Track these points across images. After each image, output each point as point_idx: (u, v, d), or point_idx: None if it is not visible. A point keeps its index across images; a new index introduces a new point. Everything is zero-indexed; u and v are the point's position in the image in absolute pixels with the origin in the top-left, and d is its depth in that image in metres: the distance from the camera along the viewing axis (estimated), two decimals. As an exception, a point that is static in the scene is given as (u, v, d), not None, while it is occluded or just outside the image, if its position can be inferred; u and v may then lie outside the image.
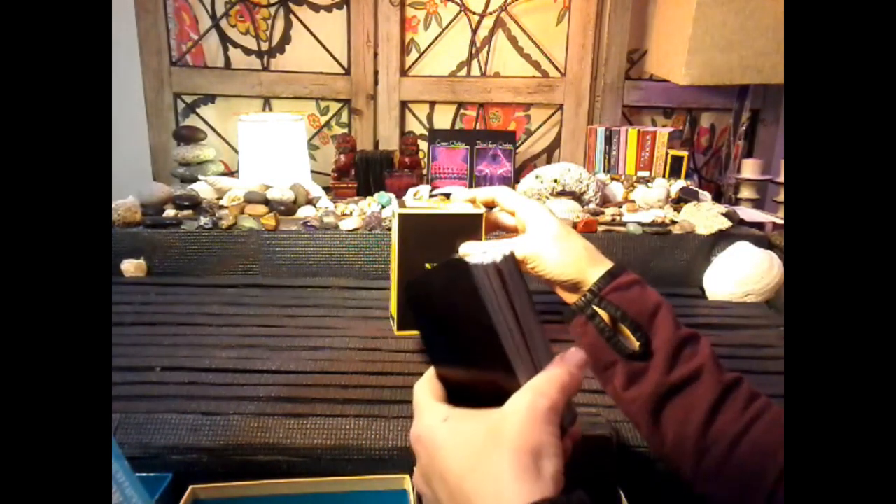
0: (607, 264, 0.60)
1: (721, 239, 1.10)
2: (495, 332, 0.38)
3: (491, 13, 1.64)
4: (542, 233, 0.62)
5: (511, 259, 0.40)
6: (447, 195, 1.22)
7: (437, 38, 1.66)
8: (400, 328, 0.76)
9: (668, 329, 0.55)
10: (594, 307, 0.57)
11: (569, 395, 0.39)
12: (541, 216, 0.63)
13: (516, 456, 0.35)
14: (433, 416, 0.39)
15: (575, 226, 1.11)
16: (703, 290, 1.08)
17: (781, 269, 1.03)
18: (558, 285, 0.62)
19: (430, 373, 0.43)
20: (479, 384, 0.40)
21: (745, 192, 1.57)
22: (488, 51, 1.67)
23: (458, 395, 0.41)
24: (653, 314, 0.56)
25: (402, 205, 1.21)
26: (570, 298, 0.62)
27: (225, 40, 1.64)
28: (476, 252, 0.39)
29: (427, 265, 0.69)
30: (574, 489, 0.34)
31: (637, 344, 0.55)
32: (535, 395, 0.38)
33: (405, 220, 0.71)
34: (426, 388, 0.42)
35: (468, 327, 0.39)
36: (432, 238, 0.69)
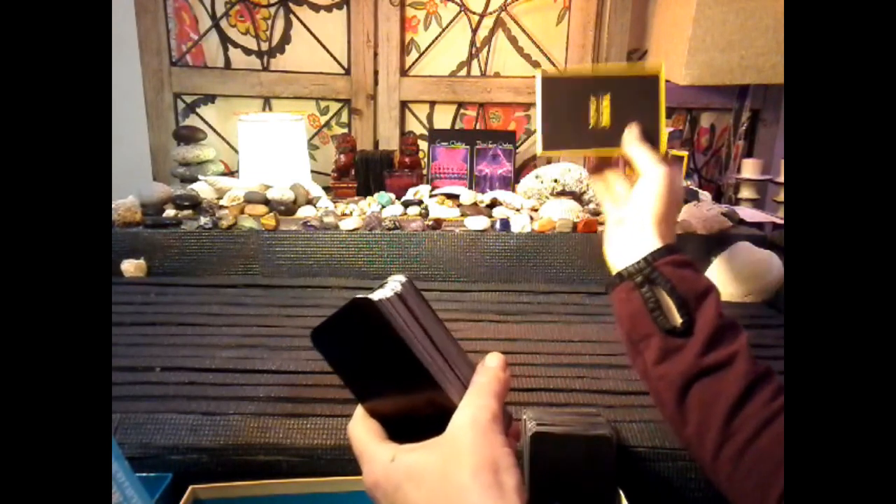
0: (670, 241, 0.61)
1: (721, 239, 1.10)
2: (417, 360, 0.38)
3: (491, 13, 1.64)
4: (673, 182, 0.63)
5: (409, 284, 0.41)
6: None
7: (437, 38, 1.66)
8: (546, 148, 0.71)
9: (712, 312, 0.55)
10: (644, 275, 0.57)
11: (502, 399, 0.39)
12: (679, 177, 0.65)
13: (476, 475, 0.35)
14: (381, 459, 0.39)
15: (575, 226, 1.11)
16: (703, 290, 1.08)
17: (781, 269, 1.03)
18: (624, 215, 0.62)
19: (360, 412, 0.42)
20: (413, 412, 0.40)
21: (745, 192, 1.57)
22: (488, 51, 1.67)
23: (395, 427, 0.41)
24: (701, 295, 0.56)
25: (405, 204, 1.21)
26: (613, 256, 0.62)
27: (225, 40, 1.64)
28: (374, 290, 0.40)
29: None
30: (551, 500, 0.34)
31: (679, 321, 0.55)
32: (474, 409, 0.38)
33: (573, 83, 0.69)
34: (362, 430, 0.41)
35: (389, 361, 0.39)
36: (582, 99, 0.68)
